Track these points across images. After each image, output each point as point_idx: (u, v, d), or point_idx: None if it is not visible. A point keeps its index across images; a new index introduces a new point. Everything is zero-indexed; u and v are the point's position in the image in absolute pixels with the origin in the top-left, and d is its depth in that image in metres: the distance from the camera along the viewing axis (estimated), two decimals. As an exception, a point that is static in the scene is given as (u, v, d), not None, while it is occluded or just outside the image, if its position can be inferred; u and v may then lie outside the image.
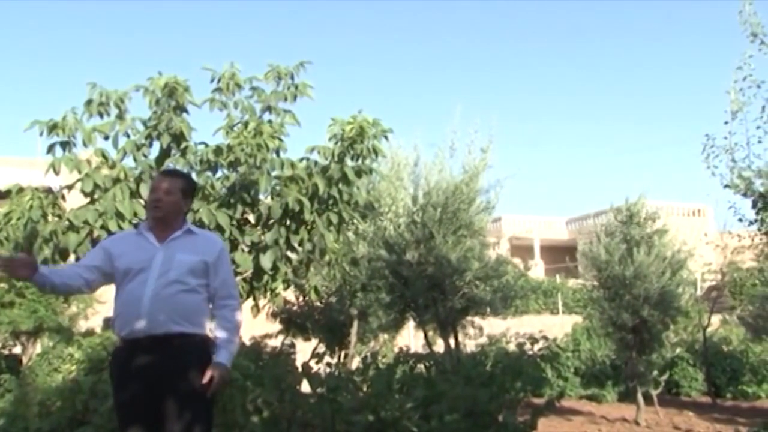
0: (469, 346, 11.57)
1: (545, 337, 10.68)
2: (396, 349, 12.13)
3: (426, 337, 11.22)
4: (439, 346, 11.08)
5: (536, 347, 10.23)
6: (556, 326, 18.66)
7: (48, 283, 3.62)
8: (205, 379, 3.41)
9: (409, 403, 4.82)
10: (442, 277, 9.71)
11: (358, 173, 6.78)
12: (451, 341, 10.20)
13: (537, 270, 31.15)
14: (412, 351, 9.79)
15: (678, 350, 14.07)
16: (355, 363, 11.18)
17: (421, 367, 6.35)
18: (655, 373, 11.23)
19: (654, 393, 11.22)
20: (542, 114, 66.18)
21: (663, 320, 10.81)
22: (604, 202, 34.69)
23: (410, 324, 13.62)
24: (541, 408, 5.40)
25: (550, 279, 28.13)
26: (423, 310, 10.20)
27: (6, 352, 15.00)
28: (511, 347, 11.18)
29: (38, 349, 14.35)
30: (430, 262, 9.65)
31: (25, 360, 14.27)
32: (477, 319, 10.99)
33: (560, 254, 29.96)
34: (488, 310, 10.86)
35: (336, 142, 6.69)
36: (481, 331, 11.51)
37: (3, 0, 51.30)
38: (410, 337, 17.55)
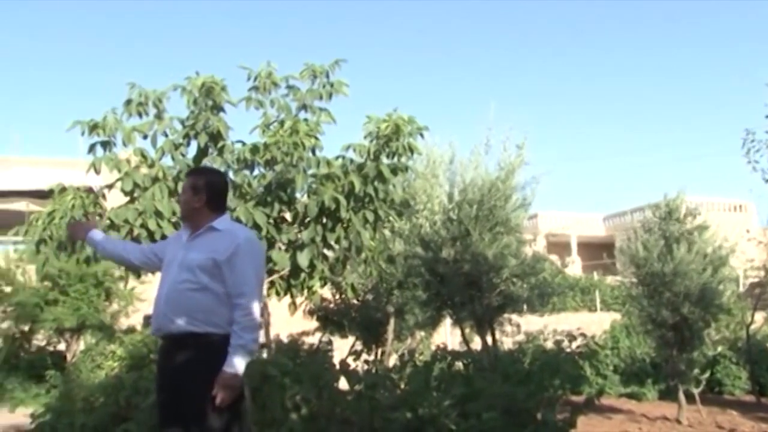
0: (507, 343, 11.51)
1: (583, 335, 10.59)
2: (433, 347, 12.11)
3: (463, 334, 11.17)
4: (476, 344, 11.02)
5: (574, 345, 10.14)
6: (594, 324, 18.47)
7: (99, 248, 4.07)
8: (213, 392, 3.36)
9: (447, 401, 4.80)
10: (478, 274, 9.66)
11: (394, 171, 6.77)
12: (489, 339, 10.14)
13: (574, 267, 30.90)
14: (449, 348, 9.77)
15: (720, 348, 13.82)
16: (392, 360, 11.19)
17: (458, 364, 6.33)
18: (697, 371, 11.04)
19: (696, 391, 11.04)
20: (579, 110, 65.54)
21: (704, 318, 10.62)
22: (642, 198, 34.32)
23: (447, 321, 13.59)
24: (580, 406, 5.36)
25: (588, 276, 27.86)
26: (460, 308, 10.16)
27: (51, 348, 15.31)
28: (549, 345, 11.10)
29: (81, 346, 14.62)
30: (467, 260, 9.59)
31: (69, 357, 14.54)
32: (514, 317, 10.92)
33: (597, 251, 29.69)
34: (525, 307, 10.79)
35: (372, 140, 6.69)
36: (519, 329, 11.43)
37: (45, 4, 52.23)
38: (447, 335, 17.50)
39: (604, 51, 64.11)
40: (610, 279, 25.26)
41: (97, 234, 4.02)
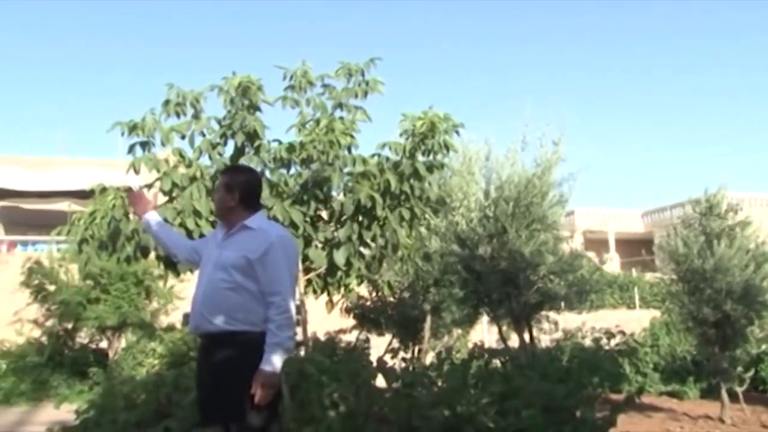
0: (544, 341, 11.42)
1: (622, 332, 10.48)
2: (470, 345, 12.07)
3: (500, 332, 11.11)
4: (514, 341, 10.96)
5: (613, 342, 10.04)
6: (633, 321, 18.26)
7: (150, 229, 4.14)
8: (252, 390, 3.39)
9: (485, 399, 4.78)
10: (515, 271, 9.59)
11: (430, 168, 6.77)
12: (526, 336, 10.08)
13: (612, 264, 30.54)
14: (486, 346, 9.72)
15: (764, 346, 13.54)
16: (429, 358, 11.17)
17: (496, 362, 6.30)
18: (740, 369, 10.84)
19: (739, 390, 10.84)
20: (617, 105, 64.79)
21: (747, 315, 10.42)
22: (682, 193, 33.82)
23: (484, 319, 13.53)
24: (620, 404, 5.29)
25: (626, 273, 27.56)
26: (497, 305, 10.10)
27: (93, 346, 15.58)
28: (587, 342, 11.01)
29: (123, 343, 14.85)
30: (504, 257, 9.53)
31: (111, 354, 14.79)
32: (552, 314, 10.83)
33: (636, 247, 29.30)
34: (563, 304, 10.69)
35: (407, 138, 6.69)
36: (556, 326, 11.34)
37: (83, 6, 53.10)
38: (484, 332, 17.44)
39: (644, 44, 63.29)
40: (649, 276, 24.95)
41: (153, 217, 4.06)
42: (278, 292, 3.51)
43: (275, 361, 3.42)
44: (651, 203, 38.08)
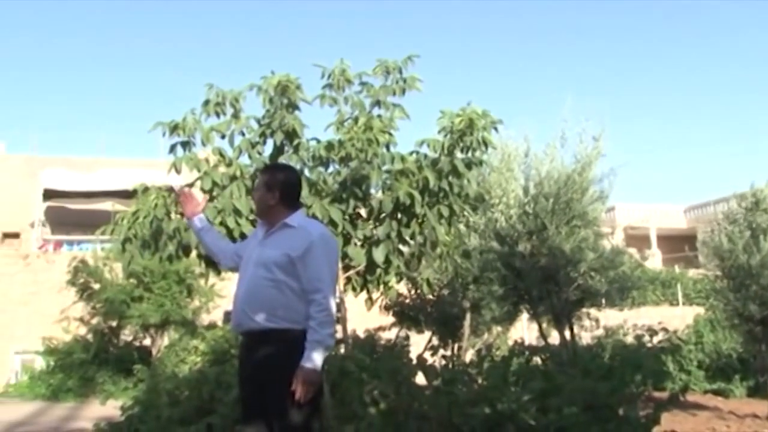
0: (585, 338, 11.32)
1: (665, 329, 10.31)
2: (510, 342, 12.01)
3: (540, 329, 11.03)
4: (554, 339, 10.88)
5: (656, 339, 9.89)
6: (676, 318, 18.01)
7: (196, 232, 4.16)
8: (294, 386, 3.40)
9: (526, 396, 4.75)
10: (555, 268, 9.52)
11: (468, 165, 6.73)
12: (567, 333, 9.99)
13: (654, 260, 30.10)
14: (526, 343, 9.67)
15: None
16: (469, 355, 11.15)
17: (536, 359, 6.26)
18: (788, 367, 10.63)
19: (787, 388, 10.63)
20: (658, 100, 63.85)
21: (795, 311, 10.21)
22: (726, 188, 33.20)
23: (524, 316, 13.45)
24: (664, 402, 5.22)
25: (669, 269, 27.15)
26: (537, 302, 10.03)
27: (137, 343, 15.84)
28: (629, 339, 10.86)
29: (165, 341, 15.07)
30: (543, 254, 9.46)
31: (154, 351, 15.02)
32: (593, 311, 10.72)
33: (678, 243, 28.82)
34: (604, 301, 10.58)
35: (445, 135, 6.66)
36: (598, 323, 11.23)
37: (122, 7, 53.96)
38: (524, 329, 17.34)
39: (683, 36, 62.29)
40: (692, 272, 24.55)
41: (199, 220, 4.08)
42: (319, 290, 3.53)
43: (316, 358, 3.44)
44: (694, 198, 37.44)
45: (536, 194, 9.64)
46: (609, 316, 13.28)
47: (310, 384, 3.42)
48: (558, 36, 64.20)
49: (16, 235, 21.79)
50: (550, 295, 9.72)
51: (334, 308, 3.60)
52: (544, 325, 11.21)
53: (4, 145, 29.55)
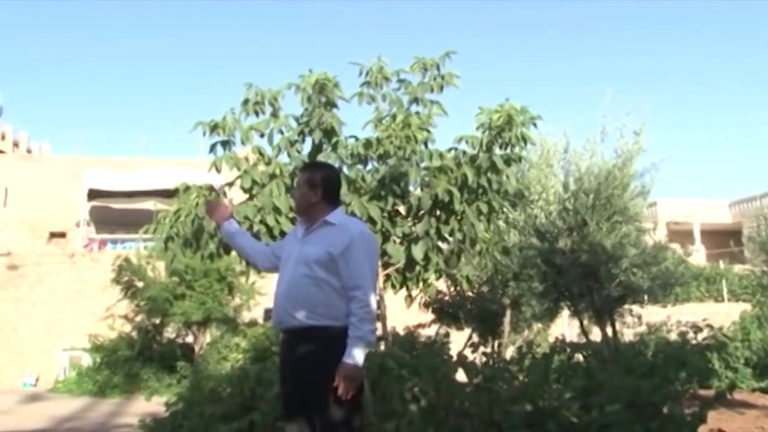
0: (627, 335, 11.19)
1: (710, 326, 10.14)
2: (550, 339, 11.92)
3: (581, 326, 10.93)
4: (596, 335, 10.78)
5: (700, 336, 9.73)
6: (721, 314, 17.69)
7: (229, 237, 4.17)
8: (335, 382, 3.42)
9: (568, 393, 4.71)
10: (596, 264, 9.42)
11: (507, 162, 6.69)
12: (608, 330, 9.89)
13: (698, 256, 29.60)
14: (567, 340, 9.59)
15: None
16: (509, 352, 11.10)
17: (578, 356, 6.20)
18: (839, 364, 10.37)
19: (838, 386, 10.37)
20: (701, 93, 62.72)
21: None
22: (773, 182, 32.48)
23: (564, 313, 13.34)
24: (710, 400, 5.12)
25: (713, 265, 26.67)
26: (578, 299, 9.94)
27: (180, 341, 16.06)
28: (673, 336, 10.71)
29: (208, 338, 15.25)
30: (584, 250, 9.37)
31: (196, 348, 15.21)
32: (635, 308, 10.60)
33: (723, 239, 28.27)
34: (646, 298, 10.45)
35: (484, 131, 6.62)
36: (640, 320, 11.10)
37: (167, 10, 54.59)
38: (564, 326, 17.20)
39: (729, 28, 61.07)
40: (737, 268, 24.09)
41: (232, 225, 4.11)
42: (360, 287, 3.54)
43: (357, 355, 3.46)
44: (739, 193, 36.72)
45: (576, 190, 9.55)
46: (652, 313, 13.10)
47: (352, 380, 3.44)
48: (598, 28, 63.42)
49: (62, 235, 22.25)
50: (591, 292, 9.63)
51: (374, 305, 3.61)
52: (585, 322, 11.11)
53: (50, 146, 30.22)
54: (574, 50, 66.26)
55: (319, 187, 3.76)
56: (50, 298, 18.56)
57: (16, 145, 27.48)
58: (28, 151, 28.32)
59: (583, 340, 10.42)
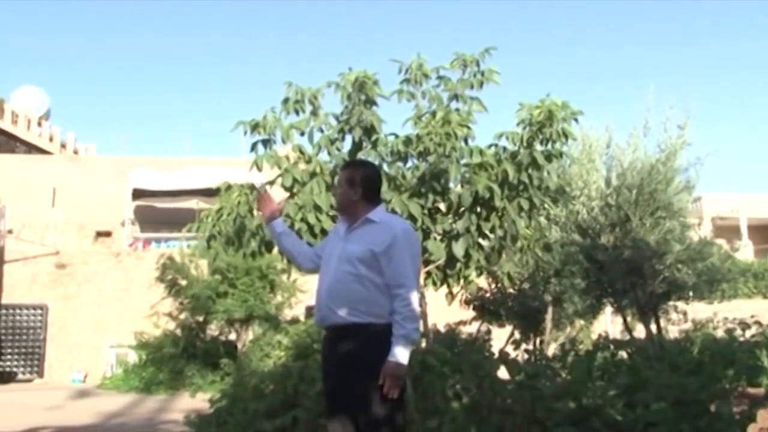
0: (672, 332, 11.03)
1: (758, 323, 9.92)
2: (593, 336, 11.80)
3: (625, 322, 10.80)
4: (639, 332, 10.63)
5: (748, 333, 9.53)
6: (771, 311, 17.30)
7: (276, 237, 4.18)
8: (380, 380, 3.43)
9: (612, 391, 4.66)
10: (640, 260, 9.28)
11: (548, 157, 6.65)
12: (653, 327, 9.75)
13: (745, 251, 29.02)
14: (610, 337, 9.48)
15: None
16: (551, 349, 11.02)
17: (622, 353, 6.13)
18: None
19: None
20: (746, 86, 61.42)
21: None
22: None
23: (607, 309, 13.19)
24: (760, 398, 5.02)
25: (761, 260, 26.13)
26: (621, 295, 9.81)
27: (223, 338, 16.24)
28: (720, 333, 10.50)
29: (250, 335, 15.39)
30: (627, 246, 9.25)
31: (239, 346, 15.36)
32: (680, 304, 10.42)
33: (772, 234, 27.71)
34: (692, 294, 10.28)
35: (524, 127, 6.59)
36: (685, 317, 10.92)
37: (210, 9, 55.19)
38: (607, 323, 17.01)
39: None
40: (787, 263, 23.59)
41: (279, 224, 4.14)
42: (403, 284, 3.55)
43: (402, 353, 3.46)
44: (787, 186, 35.89)
45: (619, 185, 9.44)
46: (697, 310, 12.89)
47: (397, 379, 3.45)
48: (640, 21, 62.49)
49: (108, 234, 22.66)
50: (634, 288, 9.51)
51: (418, 303, 3.62)
52: (629, 319, 10.98)
53: (96, 146, 30.79)
54: (616, 44, 65.38)
55: (359, 186, 3.78)
56: (97, 296, 18.93)
57: (63, 146, 28.02)
58: (75, 152, 28.87)
59: (627, 337, 10.30)
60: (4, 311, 18.46)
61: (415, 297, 3.59)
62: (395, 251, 3.58)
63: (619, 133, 9.86)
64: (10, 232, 20.23)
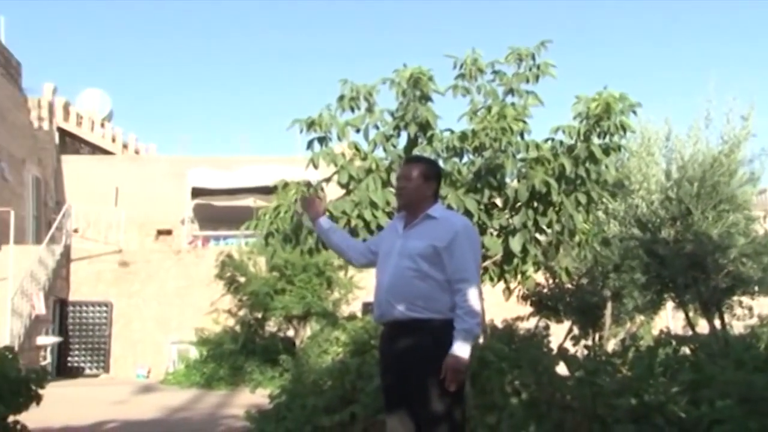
0: (737, 327, 10.79)
1: (828, 318, 9.62)
2: (654, 331, 11.60)
3: (687, 318, 10.61)
4: (702, 328, 10.43)
5: (819, 329, 9.25)
6: (841, 306, 16.70)
7: (323, 234, 4.21)
8: (442, 375, 3.44)
9: (675, 387, 4.58)
10: (703, 254, 9.11)
11: (606, 151, 6.56)
12: (717, 322, 9.55)
13: (814, 244, 28.08)
14: (672, 333, 9.30)
15: None
16: (611, 345, 10.86)
17: (684, 349, 6.01)
18: None
19: None
20: (813, 70, 59.42)
21: None
22: None
23: (668, 305, 12.97)
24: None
25: (832, 254, 25.23)
26: (683, 290, 9.65)
27: (281, 335, 16.42)
28: (788, 329, 10.22)
29: (308, 332, 15.52)
30: (689, 240, 9.08)
31: (297, 342, 15.52)
32: (745, 299, 10.20)
33: (842, 225, 26.75)
34: (757, 289, 10.05)
35: (581, 121, 6.51)
36: (751, 312, 10.69)
37: (263, 9, 55.96)
38: (668, 318, 16.69)
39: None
40: None
41: (325, 221, 4.18)
42: (466, 280, 3.57)
43: (464, 347, 3.48)
44: None
45: (679, 178, 9.28)
46: (764, 305, 12.56)
47: (459, 373, 3.46)
48: (699, 11, 60.97)
49: (168, 232, 23.11)
50: (696, 283, 9.34)
51: (479, 298, 3.63)
52: (691, 314, 10.79)
53: (156, 146, 31.43)
54: (676, 34, 63.93)
55: (432, 181, 3.84)
56: (159, 293, 19.33)
57: (125, 146, 28.65)
58: (136, 152, 29.49)
59: (689, 332, 10.11)
60: (71, 308, 19.00)
61: (476, 292, 3.60)
62: (456, 247, 3.60)
63: (679, 125, 9.71)
64: (75, 231, 20.79)
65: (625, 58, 63.75)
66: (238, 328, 16.15)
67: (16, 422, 4.75)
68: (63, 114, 24.55)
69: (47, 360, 17.36)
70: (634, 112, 6.63)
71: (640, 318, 13.70)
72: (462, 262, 3.59)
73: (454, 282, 3.58)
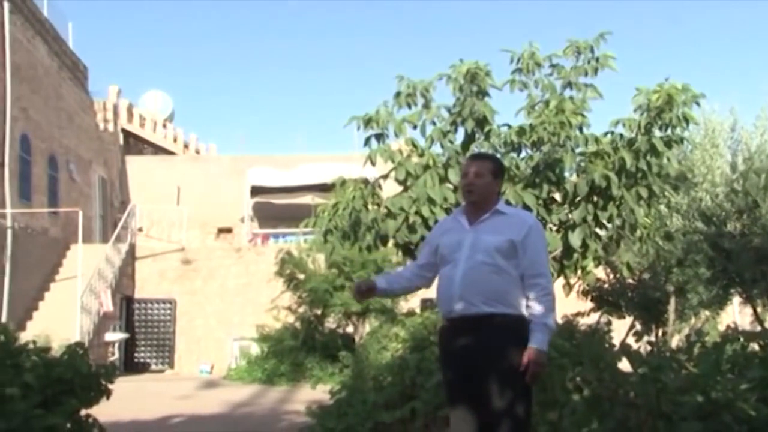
0: (809, 323, 10.46)
1: None
2: (720, 327, 11.33)
3: (755, 313, 10.31)
4: (772, 324, 10.13)
5: None
6: None
7: (389, 294, 4.43)
8: (522, 367, 3.43)
9: (743, 385, 4.46)
10: (771, 248, 8.85)
11: (668, 144, 6.45)
12: (786, 318, 9.27)
13: None
14: (739, 328, 9.06)
15: None
16: (675, 341, 10.65)
17: (753, 345, 5.85)
18: None
19: None
20: None
21: None
22: None
23: (735, 300, 12.63)
24: None
25: None
26: (750, 285, 9.38)
27: (341, 331, 16.52)
28: None
29: (367, 328, 15.57)
30: (756, 233, 8.83)
31: (357, 338, 15.58)
32: (818, 294, 9.84)
33: None
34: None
35: (642, 113, 6.42)
36: (823, 307, 10.32)
37: (318, 10, 56.35)
38: (735, 314, 16.25)
39: None
40: None
41: (380, 283, 4.07)
42: (542, 274, 3.59)
43: (543, 341, 3.49)
44: None
45: (746, 170, 9.03)
46: (837, 299, 12.14)
47: (540, 366, 3.46)
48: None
49: (229, 230, 23.51)
50: (765, 277, 9.07)
51: (554, 292, 3.63)
52: (760, 309, 10.49)
53: (216, 146, 31.97)
54: (738, 22, 62.14)
55: (500, 177, 3.86)
56: (220, 290, 19.66)
57: (186, 146, 29.23)
58: (197, 152, 30.06)
59: (758, 328, 9.84)
60: (137, 305, 19.49)
61: (551, 287, 3.62)
62: (530, 242, 3.60)
63: (745, 116, 9.45)
64: (140, 230, 21.32)
65: (688, 49, 62.25)
66: (298, 324, 16.30)
67: (88, 416, 4.88)
68: (127, 116, 25.16)
69: (115, 356, 17.87)
70: (698, 104, 6.51)
71: (705, 313, 13.38)
72: (536, 256, 3.61)
73: (529, 277, 3.57)
